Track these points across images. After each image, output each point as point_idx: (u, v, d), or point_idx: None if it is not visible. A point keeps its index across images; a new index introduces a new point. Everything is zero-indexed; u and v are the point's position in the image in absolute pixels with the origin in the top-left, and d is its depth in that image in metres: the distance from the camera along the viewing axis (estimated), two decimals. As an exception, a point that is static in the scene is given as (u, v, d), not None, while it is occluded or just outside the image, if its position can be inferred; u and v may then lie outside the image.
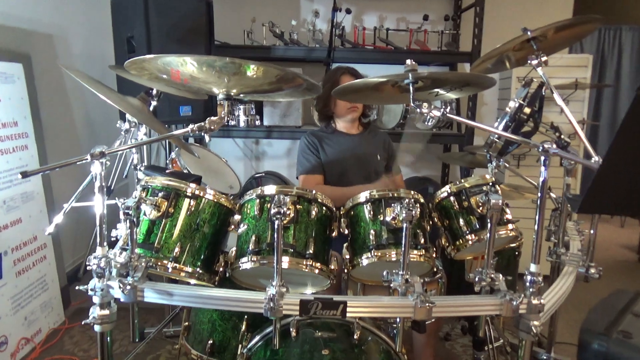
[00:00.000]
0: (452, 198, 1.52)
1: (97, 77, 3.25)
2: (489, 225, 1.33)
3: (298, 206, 1.44)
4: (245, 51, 3.65)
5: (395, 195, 1.47)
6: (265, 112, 3.70)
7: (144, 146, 2.61)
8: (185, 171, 2.16)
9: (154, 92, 2.07)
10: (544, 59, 1.75)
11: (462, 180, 1.52)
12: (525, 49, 1.83)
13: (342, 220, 1.57)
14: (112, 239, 1.70)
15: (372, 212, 1.47)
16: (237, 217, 1.58)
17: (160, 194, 1.48)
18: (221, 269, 1.56)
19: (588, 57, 3.25)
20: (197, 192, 1.53)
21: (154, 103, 2.03)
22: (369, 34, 3.78)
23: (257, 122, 3.61)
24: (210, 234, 1.54)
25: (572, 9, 4.13)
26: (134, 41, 2.56)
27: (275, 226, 1.28)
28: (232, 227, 1.59)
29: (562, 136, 1.81)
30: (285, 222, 1.36)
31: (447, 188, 1.53)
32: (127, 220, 1.34)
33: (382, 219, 1.44)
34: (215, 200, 1.55)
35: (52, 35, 3.04)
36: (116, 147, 1.30)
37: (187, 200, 1.51)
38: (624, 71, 5.25)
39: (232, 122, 3.64)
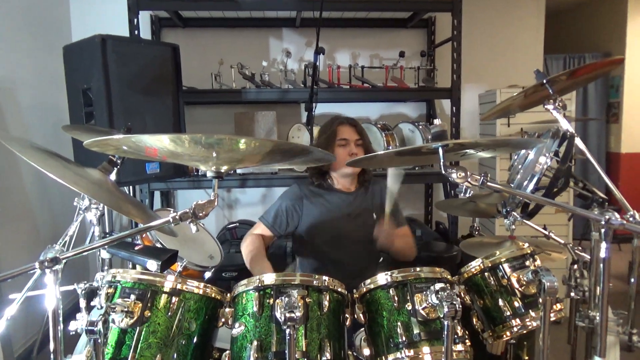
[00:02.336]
0: (486, 274, 1.29)
1: (50, 133, 2.90)
2: (541, 311, 1.10)
3: (308, 299, 1.18)
4: (214, 96, 3.40)
5: (422, 276, 1.23)
6: (237, 158, 3.44)
7: (106, 213, 2.29)
8: (157, 245, 1.85)
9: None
10: (560, 103, 1.58)
11: (497, 252, 1.29)
12: (538, 92, 1.66)
13: (356, 305, 1.31)
14: (72, 333, 1.37)
15: (396, 299, 1.21)
16: (227, 310, 1.29)
17: (132, 295, 1.18)
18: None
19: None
20: (178, 285, 1.24)
21: (116, 168, 1.73)
22: (344, 72, 3.61)
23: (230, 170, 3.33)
24: (196, 335, 1.25)
25: (543, 39, 4.12)
26: (91, 93, 2.26)
27: (287, 336, 1.01)
28: (222, 321, 1.30)
29: (587, 186, 1.63)
30: (294, 323, 1.08)
31: (478, 263, 1.30)
32: (92, 341, 1.03)
33: (410, 308, 1.19)
34: (201, 293, 1.27)
35: (-5, 87, 2.70)
36: (73, 251, 1.00)
37: (165, 298, 1.22)
38: (590, 99, 5.29)
39: (202, 171, 3.37)
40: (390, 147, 3.41)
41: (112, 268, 2.39)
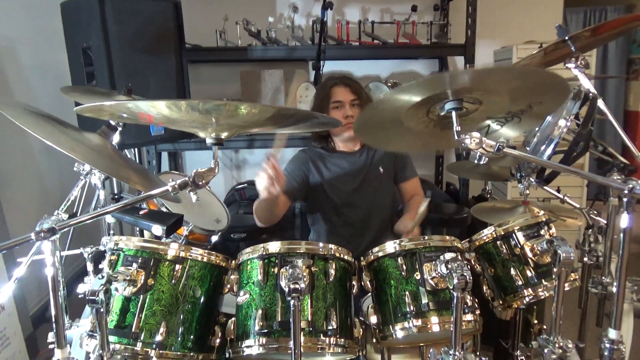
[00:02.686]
0: (498, 242, 1.24)
1: (54, 94, 2.85)
2: (555, 283, 1.06)
3: (313, 268, 1.15)
4: (219, 54, 3.30)
5: (431, 245, 1.19)
6: (244, 119, 3.37)
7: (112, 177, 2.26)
8: (163, 209, 1.82)
9: (119, 118, 1.72)
10: (583, 61, 1.48)
11: (510, 220, 1.24)
12: (559, 49, 1.56)
13: (363, 273, 1.29)
14: (80, 296, 1.37)
15: (404, 268, 1.18)
16: (233, 277, 1.28)
17: (134, 264, 1.16)
18: (218, 341, 1.26)
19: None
20: (181, 253, 1.22)
21: (118, 130, 1.68)
22: (353, 28, 3.47)
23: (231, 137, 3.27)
24: (201, 303, 1.24)
25: (564, -8, 3.91)
26: (91, 52, 2.19)
27: (292, 307, 0.99)
28: (228, 287, 1.29)
29: (607, 149, 1.55)
30: (299, 293, 1.06)
31: (490, 231, 1.25)
32: (94, 310, 1.01)
33: (418, 277, 1.16)
34: (205, 260, 1.24)
35: (-6, 46, 2.63)
36: (70, 220, 0.97)
37: (169, 266, 1.20)
38: (610, 55, 5.07)
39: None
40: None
41: (121, 231, 2.39)
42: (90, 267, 1.64)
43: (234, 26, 3.27)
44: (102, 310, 1.00)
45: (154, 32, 2.33)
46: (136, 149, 2.74)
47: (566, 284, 1.19)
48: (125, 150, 2.77)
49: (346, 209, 1.99)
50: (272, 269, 1.15)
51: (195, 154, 3.83)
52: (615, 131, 1.39)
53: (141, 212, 1.70)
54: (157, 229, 1.62)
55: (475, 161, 1.00)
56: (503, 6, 3.82)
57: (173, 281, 1.19)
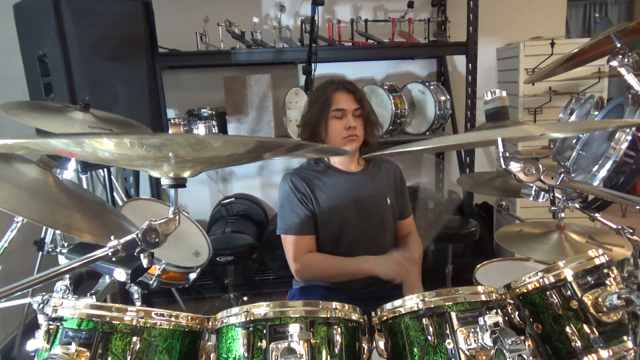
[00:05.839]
0: (547, 292, 0.97)
1: (16, 105, 2.56)
2: (630, 346, 0.79)
3: (313, 340, 0.87)
4: (199, 58, 3.03)
5: (464, 301, 0.92)
6: (230, 128, 3.10)
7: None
8: (129, 245, 1.54)
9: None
10: (631, 58, 1.23)
11: (562, 263, 0.97)
12: (601, 46, 1.30)
13: (375, 334, 1.01)
14: (32, 354, 1.09)
15: (431, 332, 0.91)
16: (210, 343, 1.00)
17: (74, 342, 0.88)
18: None
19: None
20: (140, 320, 0.93)
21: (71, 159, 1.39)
22: (345, 27, 3.20)
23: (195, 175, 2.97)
24: (169, 381, 0.95)
25: (567, -15, 3.67)
26: (48, 60, 1.90)
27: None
28: (204, 357, 1.01)
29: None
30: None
31: (536, 277, 0.98)
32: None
33: (451, 346, 0.89)
34: (172, 326, 0.96)
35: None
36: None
37: (123, 339, 0.91)
38: (612, 50, 4.87)
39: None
40: (399, 111, 3.06)
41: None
42: (41, 319, 1.36)
43: (215, 28, 2.99)
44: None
45: (120, 35, 2.04)
46: (107, 170, 2.44)
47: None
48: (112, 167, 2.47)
49: (343, 243, 1.69)
50: (259, 342, 0.87)
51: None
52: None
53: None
54: (120, 274, 1.35)
55: (531, 199, 0.73)
56: (504, 1, 3.58)
57: (130, 357, 0.91)
